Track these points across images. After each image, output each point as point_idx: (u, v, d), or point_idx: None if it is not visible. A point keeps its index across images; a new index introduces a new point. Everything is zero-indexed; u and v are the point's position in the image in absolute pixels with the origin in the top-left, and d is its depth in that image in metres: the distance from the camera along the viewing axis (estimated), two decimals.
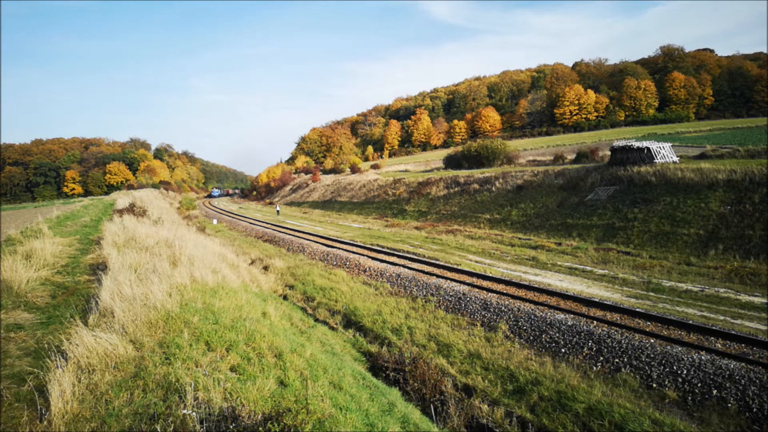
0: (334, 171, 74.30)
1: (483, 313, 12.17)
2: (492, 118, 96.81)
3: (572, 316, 11.07)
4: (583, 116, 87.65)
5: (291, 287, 16.47)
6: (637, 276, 14.81)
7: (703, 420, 7.17)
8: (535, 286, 13.59)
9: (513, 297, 12.80)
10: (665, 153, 24.53)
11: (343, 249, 22.13)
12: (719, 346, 9.01)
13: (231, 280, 10.45)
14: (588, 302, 11.92)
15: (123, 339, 4.84)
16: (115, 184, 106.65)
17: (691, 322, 10.07)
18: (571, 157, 38.77)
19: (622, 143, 26.02)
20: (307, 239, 26.09)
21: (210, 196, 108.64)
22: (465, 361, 9.81)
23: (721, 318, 10.60)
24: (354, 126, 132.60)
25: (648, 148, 24.27)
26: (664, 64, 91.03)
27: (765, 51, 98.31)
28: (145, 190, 69.99)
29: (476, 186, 32.55)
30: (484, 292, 13.54)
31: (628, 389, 8.15)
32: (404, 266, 17.48)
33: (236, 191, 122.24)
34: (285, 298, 15.21)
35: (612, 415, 7.22)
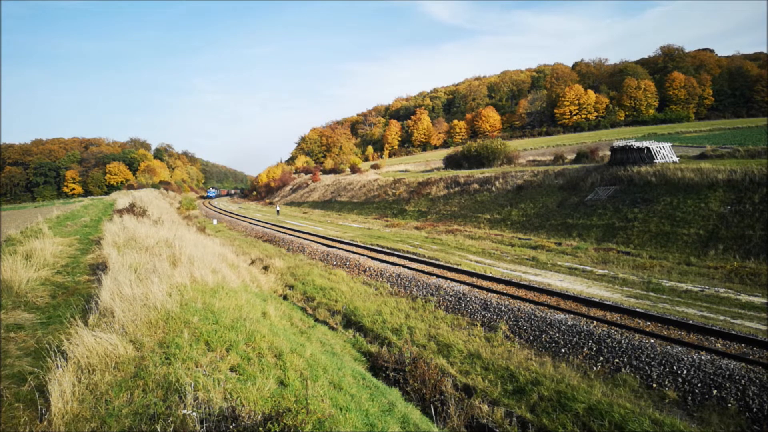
0: (334, 171, 74.29)
1: (483, 313, 12.17)
2: (492, 118, 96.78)
3: (572, 316, 11.07)
4: (583, 116, 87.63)
5: (291, 287, 16.46)
6: (637, 276, 14.81)
7: (703, 420, 7.17)
8: (535, 286, 13.59)
9: (513, 297, 12.80)
10: (665, 153, 24.52)
11: (343, 249, 22.12)
12: (719, 346, 9.01)
13: (231, 280, 10.45)
14: (588, 302, 11.92)
15: (123, 339, 4.84)
16: (115, 184, 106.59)
17: (691, 322, 10.07)
18: (571, 157, 38.76)
19: (622, 143, 26.02)
20: (307, 239, 26.09)
21: (206, 196, 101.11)
22: (465, 361, 9.81)
23: (721, 318, 10.60)
24: (354, 126, 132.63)
25: (648, 148, 24.26)
26: (664, 64, 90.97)
27: (765, 51, 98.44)
28: (145, 190, 69.97)
29: (476, 186, 32.55)
30: (484, 292, 13.54)
31: (628, 389, 8.15)
32: (404, 266, 17.48)
33: (236, 191, 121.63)
34: (285, 298, 15.21)
35: (612, 415, 7.22)
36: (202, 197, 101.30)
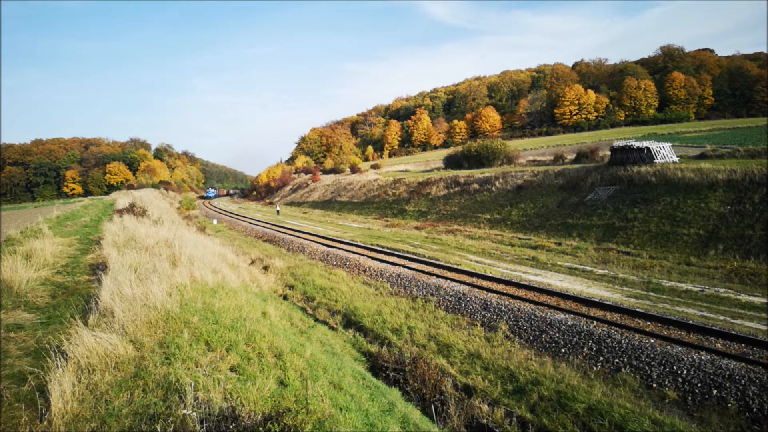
0: (334, 171, 74.29)
1: (483, 313, 12.17)
2: (492, 118, 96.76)
3: (572, 316, 11.07)
4: (583, 116, 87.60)
5: (291, 287, 16.46)
6: (637, 276, 14.81)
7: (703, 420, 7.17)
8: (535, 286, 13.59)
9: (513, 297, 12.80)
10: (665, 153, 24.53)
11: (343, 249, 22.12)
12: (719, 346, 9.01)
13: (231, 280, 10.45)
14: (588, 302, 11.92)
15: (123, 339, 4.84)
16: (115, 184, 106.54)
17: (691, 322, 10.07)
18: (571, 157, 38.75)
19: (622, 143, 26.02)
20: (307, 239, 26.09)
21: (205, 197, 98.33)
22: (465, 361, 9.81)
23: (721, 318, 10.60)
24: (354, 126, 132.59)
25: (648, 148, 24.27)
26: (664, 64, 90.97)
27: (765, 51, 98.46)
28: (145, 190, 69.97)
29: (476, 186, 32.55)
30: (484, 292, 13.54)
31: (628, 389, 8.15)
32: (404, 266, 17.48)
33: (236, 191, 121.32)
34: (285, 298, 15.21)
35: (612, 415, 7.22)
36: (201, 197, 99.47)
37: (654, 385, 8.19)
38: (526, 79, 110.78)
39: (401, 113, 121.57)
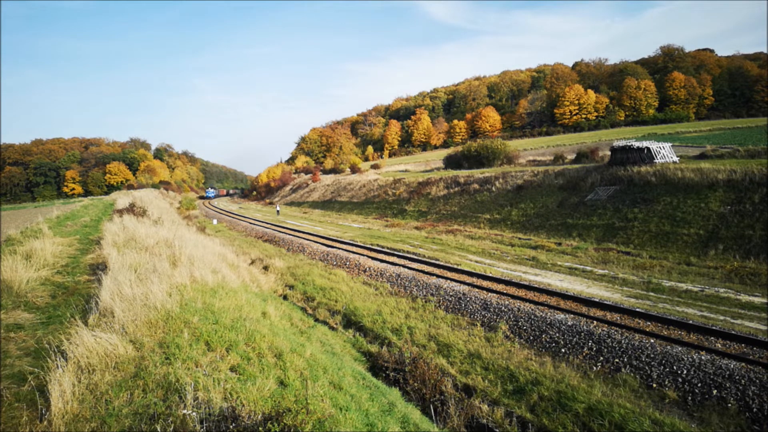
0: (334, 171, 74.30)
1: (483, 313, 12.17)
2: (492, 118, 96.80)
3: (572, 316, 11.07)
4: (583, 116, 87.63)
5: (291, 287, 16.46)
6: (637, 276, 14.81)
7: (703, 420, 7.17)
8: (535, 286, 13.58)
9: (513, 297, 12.80)
10: (665, 153, 24.53)
11: (343, 249, 22.12)
12: (719, 346, 9.01)
13: (231, 280, 10.44)
14: (588, 302, 11.92)
15: (123, 339, 4.84)
16: (115, 184, 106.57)
17: (691, 322, 10.07)
18: (571, 157, 38.75)
19: (622, 143, 26.03)
20: (307, 239, 26.09)
21: (204, 197, 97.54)
22: (465, 361, 9.81)
23: (721, 318, 10.60)
24: (354, 126, 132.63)
25: (648, 148, 24.27)
26: (664, 64, 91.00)
27: (765, 51, 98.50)
28: (145, 190, 69.97)
29: (476, 186, 32.55)
30: (484, 292, 13.54)
31: (628, 389, 8.15)
32: (404, 266, 17.48)
33: (236, 191, 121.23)
34: (285, 298, 15.21)
35: (612, 415, 7.22)
36: (201, 197, 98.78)
37: (654, 385, 8.19)
38: (526, 79, 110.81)
39: (401, 113, 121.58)
